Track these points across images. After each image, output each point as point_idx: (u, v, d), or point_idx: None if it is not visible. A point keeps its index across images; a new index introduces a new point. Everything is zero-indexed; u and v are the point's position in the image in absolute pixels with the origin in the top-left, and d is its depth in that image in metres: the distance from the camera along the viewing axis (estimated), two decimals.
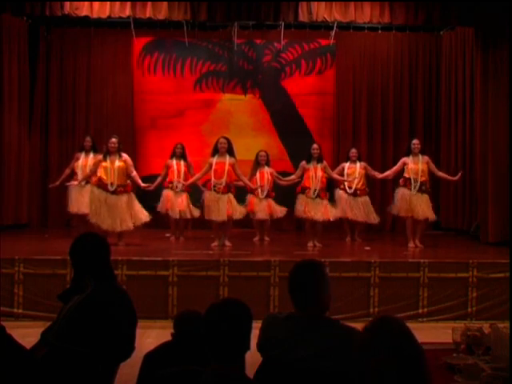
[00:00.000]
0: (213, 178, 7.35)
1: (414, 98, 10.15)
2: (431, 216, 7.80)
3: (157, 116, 9.92)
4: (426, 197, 7.71)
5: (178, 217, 8.07)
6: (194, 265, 6.34)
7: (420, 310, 6.35)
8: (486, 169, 8.15)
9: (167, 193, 8.11)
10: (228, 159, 7.38)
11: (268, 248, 7.62)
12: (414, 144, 7.79)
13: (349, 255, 7.33)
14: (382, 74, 10.13)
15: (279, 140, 9.80)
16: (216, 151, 7.43)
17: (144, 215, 7.42)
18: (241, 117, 9.97)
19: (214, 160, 7.39)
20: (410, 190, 7.64)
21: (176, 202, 8.01)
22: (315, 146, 7.79)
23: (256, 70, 10.01)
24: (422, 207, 7.64)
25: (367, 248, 7.68)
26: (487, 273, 6.44)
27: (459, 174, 8.09)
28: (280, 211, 8.05)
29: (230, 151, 7.43)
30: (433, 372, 2.12)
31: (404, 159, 7.81)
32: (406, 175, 7.74)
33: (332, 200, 8.02)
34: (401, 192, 7.73)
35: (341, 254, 7.38)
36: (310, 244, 7.57)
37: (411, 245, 7.70)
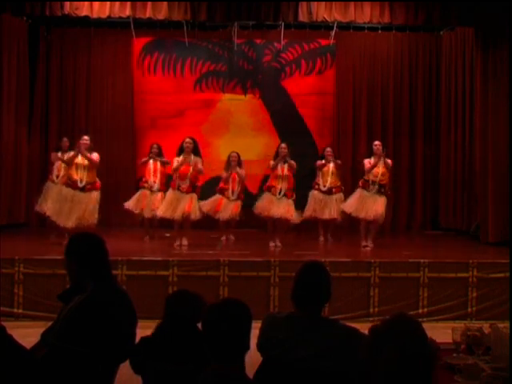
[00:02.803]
0: (177, 179, 7.43)
1: (413, 98, 10.15)
2: (381, 216, 7.64)
3: (157, 116, 9.92)
4: (383, 199, 7.63)
5: (151, 216, 8.09)
6: (193, 265, 6.35)
7: (420, 310, 6.35)
8: (485, 169, 8.15)
9: (143, 192, 8.16)
10: (193, 159, 7.44)
11: (268, 248, 7.61)
12: (375, 145, 7.72)
13: (349, 255, 7.32)
14: (382, 74, 10.12)
15: (279, 140, 9.77)
16: (181, 151, 7.51)
17: (95, 218, 7.40)
18: (241, 117, 9.96)
19: (180, 160, 7.45)
20: (368, 191, 7.60)
21: (151, 202, 8.03)
22: (283, 145, 7.82)
23: (256, 70, 10.01)
24: (375, 208, 7.58)
25: (367, 248, 7.68)
26: (487, 273, 6.44)
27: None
28: (238, 214, 7.97)
29: (196, 151, 7.51)
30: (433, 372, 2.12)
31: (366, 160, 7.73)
32: (365, 177, 7.68)
33: (304, 200, 8.06)
34: (358, 193, 7.70)
35: (341, 254, 7.37)
36: (272, 244, 7.58)
37: (363, 243, 7.67)
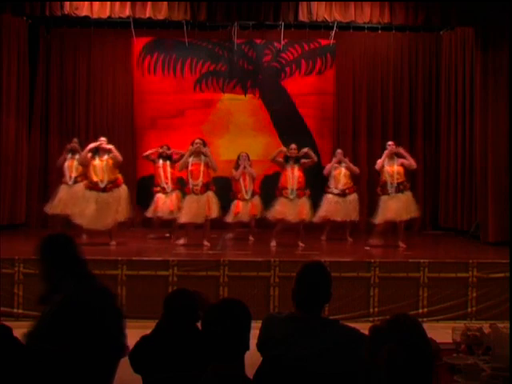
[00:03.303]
0: (190, 180, 7.43)
1: (413, 98, 10.15)
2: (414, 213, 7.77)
3: (157, 116, 9.92)
4: (405, 196, 7.67)
5: (169, 217, 8.12)
6: (193, 265, 6.35)
7: (420, 310, 6.35)
8: (485, 169, 8.14)
9: (158, 197, 8.20)
10: (203, 159, 7.45)
11: (268, 248, 7.61)
12: (388, 145, 7.76)
13: (349, 255, 7.33)
14: (382, 74, 10.12)
15: (279, 140, 9.79)
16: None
17: (128, 213, 7.49)
18: (241, 117, 9.97)
19: (190, 161, 7.46)
20: (388, 194, 7.62)
21: (167, 204, 8.07)
22: (293, 145, 7.84)
23: (256, 70, 10.01)
24: (404, 207, 7.61)
25: (367, 248, 7.68)
26: (487, 273, 6.44)
27: None
28: (261, 212, 8.04)
29: (205, 152, 7.52)
30: (434, 372, 2.12)
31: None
32: (381, 181, 7.71)
33: (317, 202, 8.07)
34: (383, 201, 7.70)
35: (341, 254, 7.38)
36: (273, 243, 7.60)
37: (374, 242, 7.69)
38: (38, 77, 9.75)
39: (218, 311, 2.10)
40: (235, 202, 8.05)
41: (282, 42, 9.80)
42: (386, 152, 7.75)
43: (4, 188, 8.92)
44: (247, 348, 2.10)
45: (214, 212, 7.46)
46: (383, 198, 7.72)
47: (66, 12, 8.01)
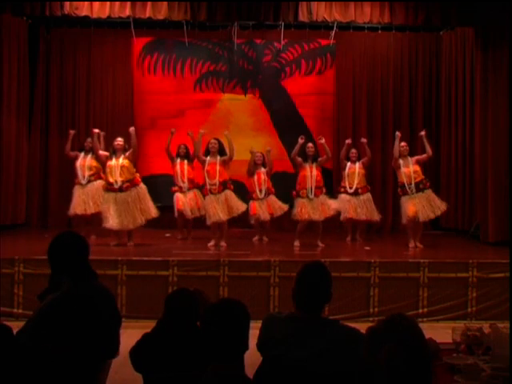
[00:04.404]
0: (207, 179, 7.42)
1: (413, 98, 10.15)
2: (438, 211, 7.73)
3: (157, 116, 9.92)
4: (426, 194, 7.66)
5: (189, 217, 8.13)
6: (193, 265, 6.35)
7: (420, 310, 6.35)
8: (485, 168, 8.15)
9: (177, 196, 8.15)
10: (219, 159, 7.47)
11: (268, 248, 7.62)
12: (401, 147, 7.76)
13: (349, 255, 7.33)
14: (382, 74, 10.12)
15: (279, 140, 9.79)
16: (207, 153, 7.54)
17: (153, 211, 7.47)
18: (241, 117, 9.97)
19: (207, 160, 7.48)
20: (409, 194, 7.62)
21: (187, 203, 8.07)
22: (310, 144, 7.83)
23: (256, 70, 10.01)
24: (427, 206, 7.60)
25: (367, 248, 7.68)
26: (487, 273, 6.44)
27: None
28: (280, 209, 8.07)
29: (221, 151, 7.54)
30: (433, 372, 2.12)
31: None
32: (400, 182, 7.72)
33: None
34: (406, 201, 7.68)
35: (341, 254, 7.38)
36: (297, 243, 7.59)
37: (411, 245, 7.69)
38: (38, 77, 9.76)
39: (216, 311, 2.10)
40: (250, 203, 7.99)
41: (282, 42, 9.80)
42: (396, 142, 7.74)
43: (5, 187, 8.92)
44: (246, 348, 2.11)
45: (236, 208, 7.44)
46: (403, 198, 7.70)
47: (66, 12, 8.02)
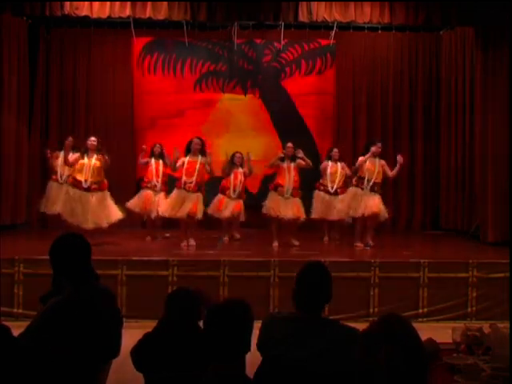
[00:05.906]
0: (184, 177, 7.41)
1: (413, 98, 10.15)
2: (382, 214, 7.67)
3: (157, 116, 9.92)
4: (377, 196, 7.62)
5: (155, 217, 8.09)
6: (193, 265, 6.35)
7: (420, 310, 6.35)
8: (485, 169, 8.15)
9: (146, 192, 8.16)
10: (200, 159, 7.45)
11: (268, 248, 7.61)
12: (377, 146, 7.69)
13: (349, 255, 7.32)
14: (382, 74, 10.13)
15: (279, 140, 9.78)
16: (188, 151, 7.53)
17: (117, 214, 7.50)
18: (241, 117, 9.96)
19: (187, 159, 7.47)
20: (363, 189, 7.59)
21: (155, 203, 8.03)
22: (289, 144, 7.85)
23: (256, 70, 10.01)
24: (372, 204, 7.56)
25: (367, 248, 7.68)
26: (487, 273, 6.44)
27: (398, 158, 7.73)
28: (242, 216, 7.98)
29: (203, 152, 7.53)
30: (433, 372, 2.12)
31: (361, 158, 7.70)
32: (360, 174, 7.67)
33: (309, 200, 8.05)
34: (353, 191, 7.69)
35: (341, 254, 7.37)
36: (275, 244, 7.57)
37: (358, 244, 7.64)
38: (38, 77, 9.75)
39: (220, 311, 2.10)
40: (220, 196, 7.96)
41: (282, 42, 9.80)
42: (372, 150, 7.66)
43: (6, 187, 8.92)
44: (248, 349, 2.11)
45: (200, 213, 7.42)
46: (352, 189, 7.68)
47: (66, 12, 8.02)
